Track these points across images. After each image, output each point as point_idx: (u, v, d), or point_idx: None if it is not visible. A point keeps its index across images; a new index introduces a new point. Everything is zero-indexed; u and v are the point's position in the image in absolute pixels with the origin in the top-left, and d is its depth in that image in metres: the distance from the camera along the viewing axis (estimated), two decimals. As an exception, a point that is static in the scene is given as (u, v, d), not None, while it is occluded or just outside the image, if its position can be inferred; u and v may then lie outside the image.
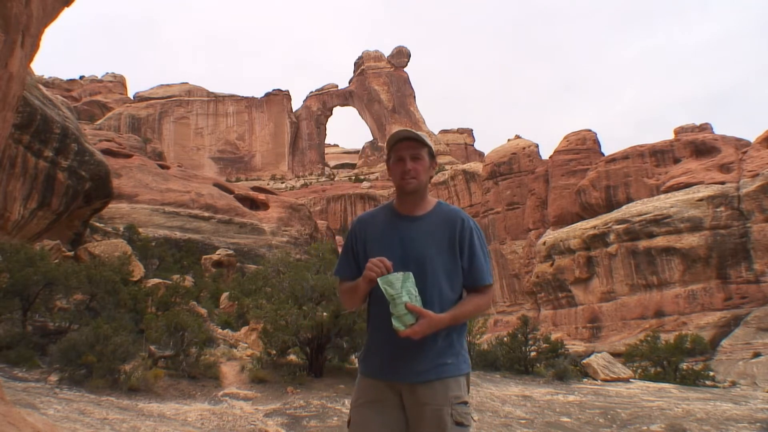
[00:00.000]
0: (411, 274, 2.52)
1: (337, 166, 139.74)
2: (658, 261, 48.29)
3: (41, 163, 21.80)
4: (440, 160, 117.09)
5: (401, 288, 2.48)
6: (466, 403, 2.60)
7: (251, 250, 44.57)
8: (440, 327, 2.52)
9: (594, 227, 53.71)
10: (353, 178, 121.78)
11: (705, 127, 66.97)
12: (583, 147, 66.89)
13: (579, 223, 56.81)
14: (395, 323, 2.50)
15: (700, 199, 48.07)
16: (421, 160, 2.68)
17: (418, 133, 2.70)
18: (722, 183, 49.19)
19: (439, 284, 2.60)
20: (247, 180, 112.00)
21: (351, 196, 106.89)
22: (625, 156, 58.13)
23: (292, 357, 14.12)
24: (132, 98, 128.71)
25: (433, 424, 2.54)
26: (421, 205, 2.72)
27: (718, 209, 47.18)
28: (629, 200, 54.92)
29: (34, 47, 4.74)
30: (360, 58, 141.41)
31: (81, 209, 25.20)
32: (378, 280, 2.50)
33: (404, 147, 2.69)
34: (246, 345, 16.23)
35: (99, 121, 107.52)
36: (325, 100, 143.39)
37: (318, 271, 15.38)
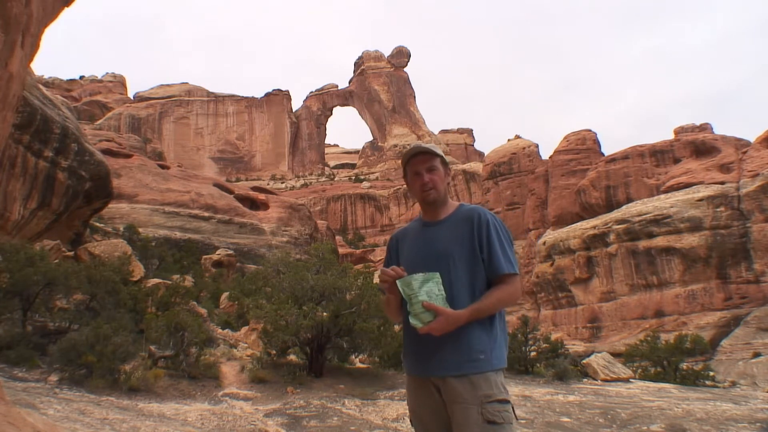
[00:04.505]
0: (437, 274, 2.58)
1: (337, 166, 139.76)
2: (658, 261, 48.29)
3: (41, 163, 21.78)
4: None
5: (419, 288, 2.55)
6: (502, 401, 2.57)
7: (251, 250, 44.53)
8: (459, 323, 2.55)
9: (594, 227, 53.71)
10: (353, 178, 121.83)
11: (705, 127, 67.00)
12: (583, 147, 66.85)
13: (579, 223, 56.81)
14: (413, 321, 2.57)
15: (700, 199, 48.08)
16: (436, 171, 2.83)
17: (429, 145, 2.85)
18: (722, 183, 49.20)
19: (463, 280, 2.66)
20: (247, 180, 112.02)
21: (351, 196, 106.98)
22: (625, 156, 58.11)
23: (292, 357, 14.13)
24: (132, 98, 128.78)
25: (462, 422, 2.54)
26: (444, 210, 2.86)
27: (718, 209, 47.19)
28: (629, 200, 54.90)
29: (34, 47, 4.74)
30: (360, 58, 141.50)
31: (81, 209, 25.19)
32: (397, 282, 2.59)
33: (419, 161, 2.84)
34: (246, 345, 16.22)
35: (99, 121, 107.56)
36: (325, 100, 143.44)
37: (318, 271, 15.39)
